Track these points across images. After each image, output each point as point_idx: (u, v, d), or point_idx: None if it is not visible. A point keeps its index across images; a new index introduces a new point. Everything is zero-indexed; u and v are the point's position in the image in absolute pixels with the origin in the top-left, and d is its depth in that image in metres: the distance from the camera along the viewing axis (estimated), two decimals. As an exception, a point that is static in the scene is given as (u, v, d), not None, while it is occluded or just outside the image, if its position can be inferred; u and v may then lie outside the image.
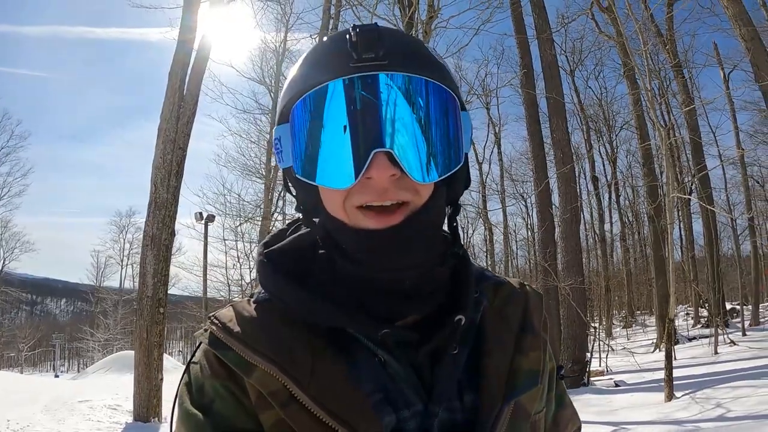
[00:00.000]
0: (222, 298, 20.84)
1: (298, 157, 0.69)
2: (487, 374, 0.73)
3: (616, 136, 28.02)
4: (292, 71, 0.73)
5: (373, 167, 0.63)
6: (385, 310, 0.69)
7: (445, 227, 0.79)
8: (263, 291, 0.75)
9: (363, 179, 0.64)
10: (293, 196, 0.77)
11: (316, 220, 0.75)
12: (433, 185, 0.69)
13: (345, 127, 0.64)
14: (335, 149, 0.65)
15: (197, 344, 0.75)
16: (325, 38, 0.73)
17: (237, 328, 0.70)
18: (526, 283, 0.88)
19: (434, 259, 0.73)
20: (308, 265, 0.75)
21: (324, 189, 0.69)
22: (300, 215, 0.78)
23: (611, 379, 11.48)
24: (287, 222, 0.90)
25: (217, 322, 0.72)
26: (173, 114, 9.16)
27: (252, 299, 0.75)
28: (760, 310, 20.22)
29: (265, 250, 0.78)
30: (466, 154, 0.72)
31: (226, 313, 0.73)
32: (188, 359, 0.76)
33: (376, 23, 0.68)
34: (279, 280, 0.73)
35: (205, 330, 0.73)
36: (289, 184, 0.77)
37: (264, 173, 18.73)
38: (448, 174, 0.68)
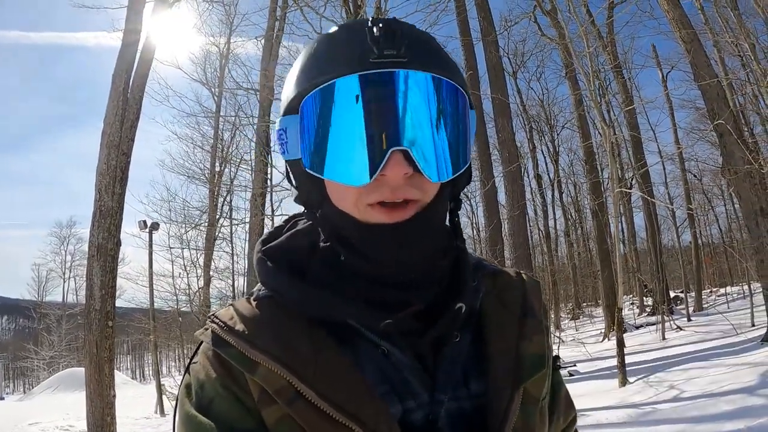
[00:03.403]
0: (170, 308, 20.28)
1: (308, 152, 0.67)
2: (494, 361, 0.73)
3: (558, 135, 28.97)
4: (300, 60, 0.71)
5: (389, 165, 0.63)
6: (388, 301, 0.69)
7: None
8: (263, 288, 0.74)
9: (378, 176, 0.64)
10: (294, 188, 0.76)
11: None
12: (440, 183, 0.70)
13: (362, 123, 0.63)
14: (351, 146, 0.64)
15: (197, 344, 0.74)
16: (333, 28, 0.71)
17: (238, 326, 0.69)
18: (522, 271, 0.89)
19: (438, 253, 0.73)
20: (307, 261, 0.74)
21: (334, 184, 0.68)
22: (284, 210, 0.78)
23: (564, 368, 11.75)
24: (281, 221, 0.88)
25: (217, 321, 0.71)
26: (117, 118, 8.81)
27: (252, 297, 0.74)
28: (703, 297, 21.27)
29: (263, 248, 0.77)
30: (471, 153, 0.73)
31: (226, 313, 0.72)
32: (189, 360, 0.74)
33: (395, 17, 0.67)
34: (279, 275, 0.72)
35: (206, 329, 0.71)
36: (292, 175, 0.75)
37: (208, 178, 18.35)
38: (458, 174, 0.69)
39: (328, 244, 0.73)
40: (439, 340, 0.72)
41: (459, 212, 0.80)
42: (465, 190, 0.81)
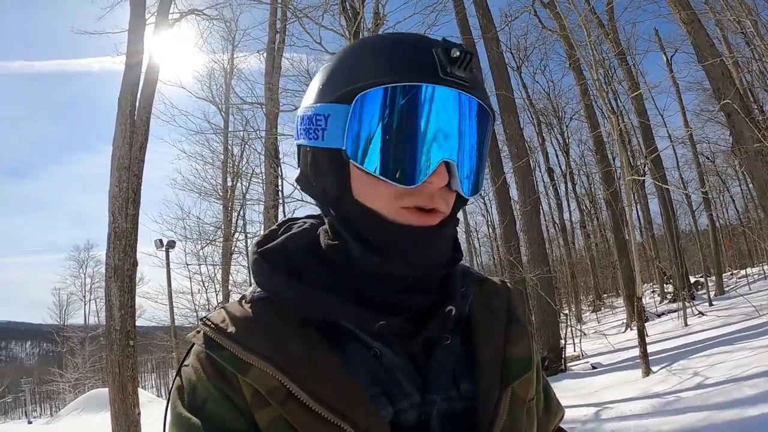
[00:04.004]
0: (190, 325, 20.40)
1: (359, 145, 0.68)
2: (483, 363, 0.76)
3: (567, 126, 28.83)
4: (355, 55, 0.72)
5: (435, 174, 0.67)
6: (387, 302, 0.70)
7: None
8: (258, 290, 0.75)
9: (422, 182, 0.67)
10: (311, 177, 0.75)
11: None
12: (455, 199, 0.73)
13: (427, 130, 0.67)
14: (407, 148, 0.67)
15: (189, 347, 0.74)
16: (392, 34, 0.75)
17: (230, 328, 0.70)
18: (506, 280, 0.94)
19: (444, 261, 0.75)
20: (303, 262, 0.75)
21: (369, 180, 0.69)
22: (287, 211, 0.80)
23: (587, 362, 11.66)
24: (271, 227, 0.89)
25: (209, 323, 0.72)
26: (126, 140, 8.94)
27: (245, 300, 0.75)
28: (724, 280, 20.92)
29: (259, 249, 0.78)
30: None
31: (218, 315, 0.73)
32: (180, 363, 0.75)
33: (462, 45, 0.69)
34: (276, 276, 0.73)
35: (198, 332, 0.72)
36: (311, 164, 0.74)
37: (221, 194, 18.46)
38: (477, 194, 0.74)
39: (336, 242, 0.73)
40: (430, 342, 0.73)
41: (456, 227, 0.82)
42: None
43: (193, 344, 0.73)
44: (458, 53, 0.67)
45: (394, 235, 0.69)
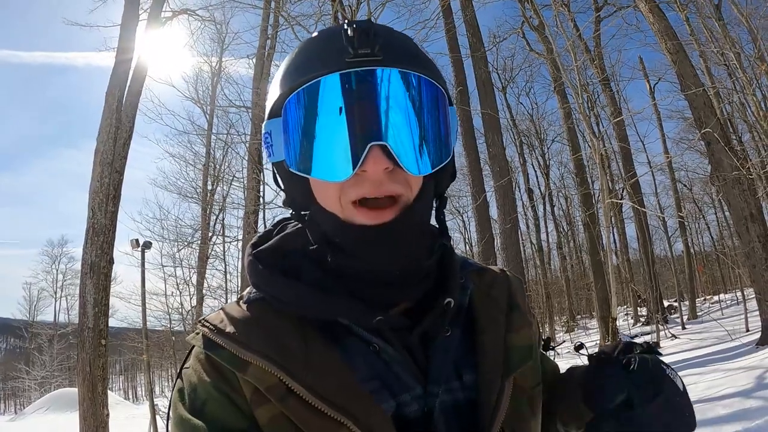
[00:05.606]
0: (162, 328, 20.09)
1: (291, 151, 0.69)
2: (485, 353, 0.76)
3: (548, 149, 29.18)
4: (282, 66, 0.73)
5: (369, 160, 0.64)
6: (376, 299, 0.71)
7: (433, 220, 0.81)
8: (254, 291, 0.75)
9: (358, 172, 0.65)
10: (282, 190, 0.78)
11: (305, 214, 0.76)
12: (422, 179, 0.71)
13: (341, 120, 0.65)
14: (331, 142, 0.65)
15: (189, 349, 0.75)
16: (315, 33, 0.73)
17: (229, 328, 0.70)
18: (505, 269, 0.93)
19: (422, 252, 0.74)
20: (297, 262, 0.76)
21: (318, 183, 0.70)
22: (287, 210, 0.80)
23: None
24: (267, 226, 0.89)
25: (208, 324, 0.72)
26: (110, 136, 8.84)
27: (242, 300, 0.76)
28: (697, 305, 21.27)
29: (254, 251, 0.79)
30: (453, 148, 0.74)
31: (216, 316, 0.74)
32: (180, 366, 0.75)
33: (369, 20, 0.69)
34: (270, 276, 0.74)
35: (197, 333, 0.73)
36: (278, 178, 0.77)
37: (200, 196, 18.29)
38: (439, 167, 0.70)
39: (314, 246, 0.74)
40: (430, 335, 0.73)
41: (444, 210, 0.82)
42: (456, 203, 0.82)
43: (193, 346, 0.73)
44: (351, 33, 0.65)
45: (349, 236, 0.69)
